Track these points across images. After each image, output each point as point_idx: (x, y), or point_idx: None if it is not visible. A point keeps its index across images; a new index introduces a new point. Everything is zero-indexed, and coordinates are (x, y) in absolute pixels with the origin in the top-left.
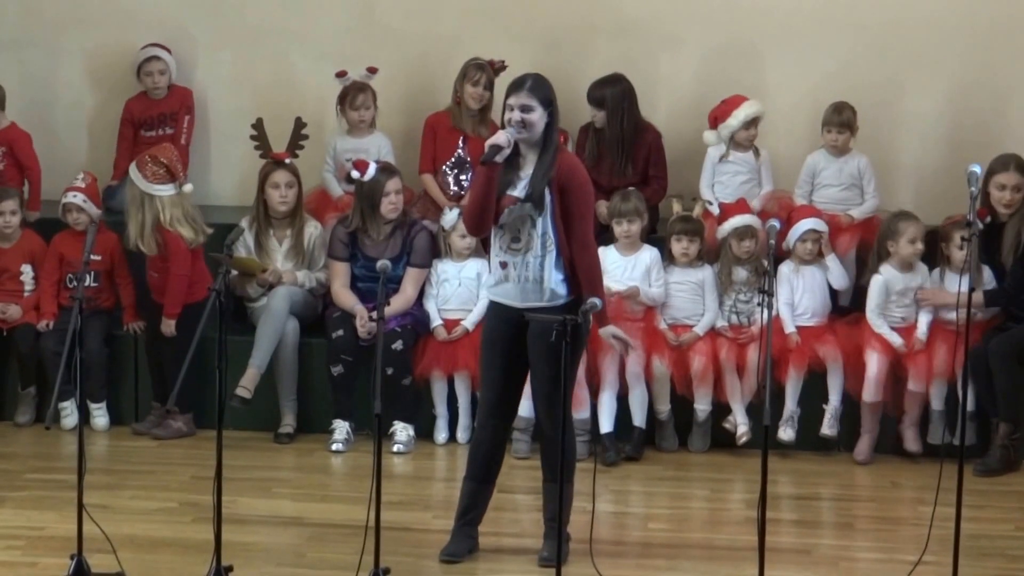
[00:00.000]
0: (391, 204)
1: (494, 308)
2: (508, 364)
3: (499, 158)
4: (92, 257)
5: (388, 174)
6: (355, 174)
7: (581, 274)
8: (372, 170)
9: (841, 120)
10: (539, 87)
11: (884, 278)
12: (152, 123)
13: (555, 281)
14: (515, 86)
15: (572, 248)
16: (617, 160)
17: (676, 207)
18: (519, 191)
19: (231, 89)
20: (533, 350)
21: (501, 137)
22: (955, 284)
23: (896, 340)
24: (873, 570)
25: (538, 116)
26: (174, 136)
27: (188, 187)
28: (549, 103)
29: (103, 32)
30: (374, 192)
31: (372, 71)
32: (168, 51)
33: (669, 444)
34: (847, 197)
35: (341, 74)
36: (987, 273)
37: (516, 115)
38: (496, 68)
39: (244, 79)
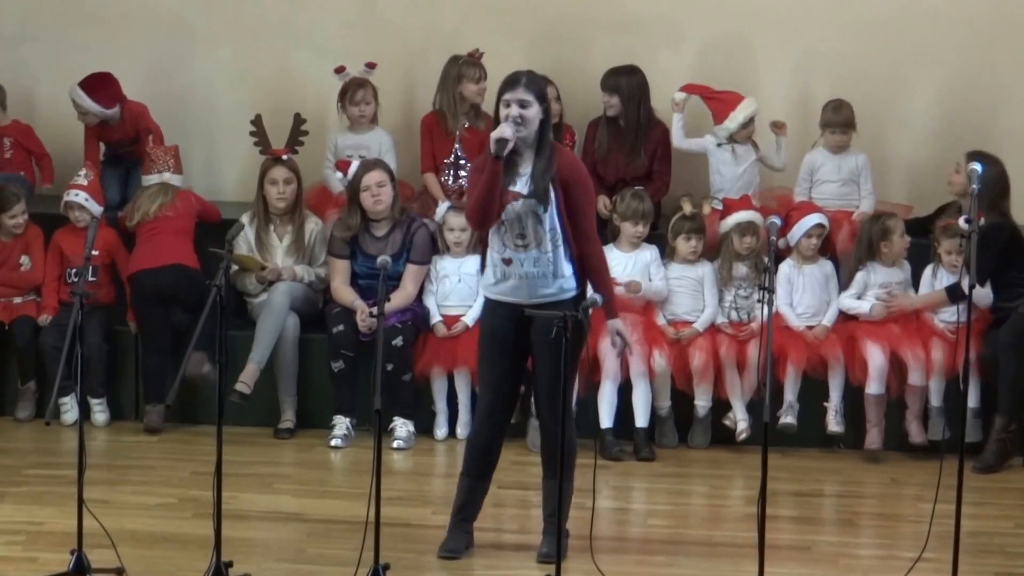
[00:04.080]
0: (372, 197)
1: (495, 307)
2: (512, 363)
3: (506, 151)
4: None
5: (365, 168)
6: (339, 175)
7: (591, 266)
8: (353, 167)
9: (842, 120)
10: (534, 83)
11: (867, 271)
12: (116, 146)
13: (567, 275)
14: (510, 83)
15: (579, 242)
16: (628, 153)
17: (687, 207)
18: (520, 187)
19: (232, 84)
20: (539, 346)
21: (506, 131)
22: (944, 280)
23: (870, 308)
24: (873, 567)
25: (535, 112)
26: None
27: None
28: (543, 99)
29: (104, 27)
30: (355, 188)
31: (371, 66)
32: (84, 89)
33: (669, 440)
34: (846, 193)
35: (340, 70)
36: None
37: (514, 111)
38: (476, 59)
39: (245, 74)
